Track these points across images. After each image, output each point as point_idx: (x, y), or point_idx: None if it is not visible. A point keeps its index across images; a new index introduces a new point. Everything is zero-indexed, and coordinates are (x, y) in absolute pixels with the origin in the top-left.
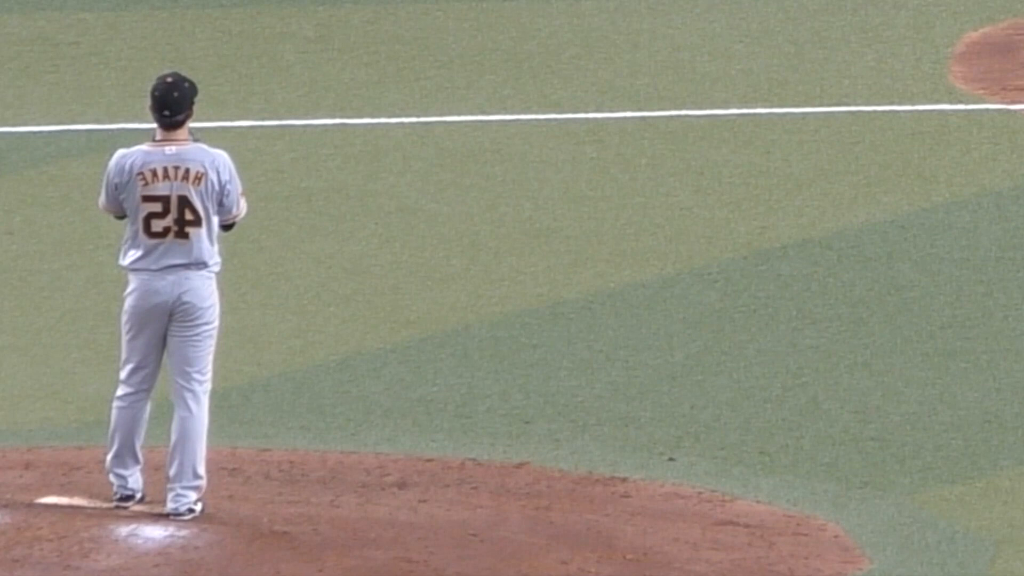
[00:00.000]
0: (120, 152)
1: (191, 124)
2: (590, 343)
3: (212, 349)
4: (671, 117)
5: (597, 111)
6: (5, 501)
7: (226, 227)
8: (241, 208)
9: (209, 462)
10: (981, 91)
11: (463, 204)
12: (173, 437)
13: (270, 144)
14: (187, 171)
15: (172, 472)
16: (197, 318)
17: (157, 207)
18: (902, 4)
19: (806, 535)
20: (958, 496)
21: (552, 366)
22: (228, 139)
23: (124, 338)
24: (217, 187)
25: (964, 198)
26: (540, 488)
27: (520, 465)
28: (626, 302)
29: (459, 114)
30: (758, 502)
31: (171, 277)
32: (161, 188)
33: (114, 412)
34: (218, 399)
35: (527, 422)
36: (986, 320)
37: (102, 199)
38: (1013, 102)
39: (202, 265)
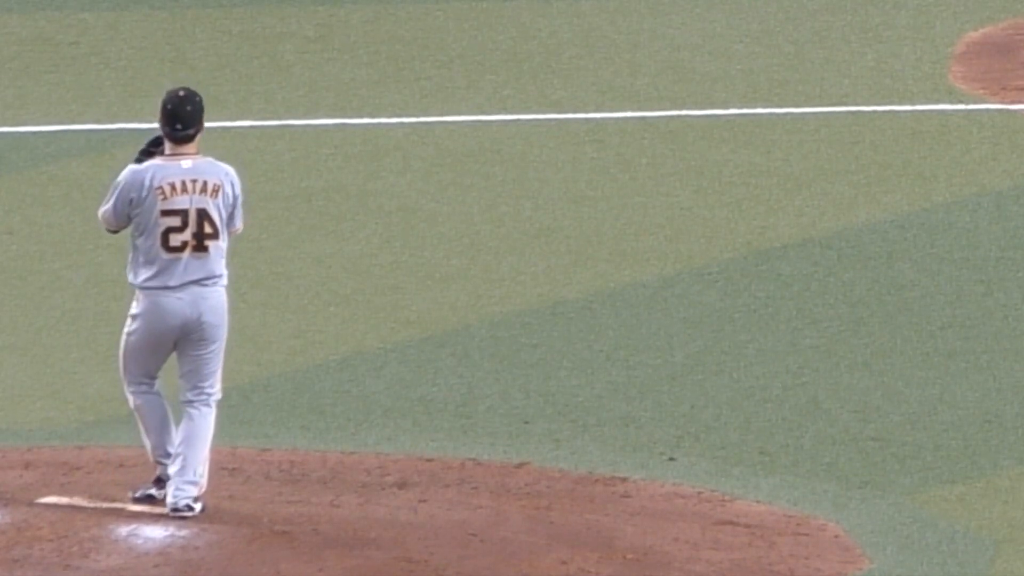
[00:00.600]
0: (132, 168)
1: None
2: (590, 343)
3: (223, 359)
4: (671, 117)
5: (597, 111)
6: (5, 501)
7: None
8: (244, 222)
9: (209, 462)
10: (981, 91)
11: (463, 204)
12: (179, 437)
13: (270, 144)
14: (205, 184)
15: (174, 470)
16: (214, 338)
17: (176, 221)
18: (902, 4)
19: (806, 535)
20: (958, 496)
21: (552, 366)
22: (228, 139)
23: (131, 355)
24: (231, 199)
25: (964, 198)
26: (540, 488)
27: (520, 465)
28: (626, 302)
29: (459, 114)
30: (758, 502)
31: (188, 296)
32: (180, 202)
33: (143, 412)
34: None
35: (527, 422)
36: (986, 320)
37: (107, 213)
38: (1013, 102)
39: (218, 278)
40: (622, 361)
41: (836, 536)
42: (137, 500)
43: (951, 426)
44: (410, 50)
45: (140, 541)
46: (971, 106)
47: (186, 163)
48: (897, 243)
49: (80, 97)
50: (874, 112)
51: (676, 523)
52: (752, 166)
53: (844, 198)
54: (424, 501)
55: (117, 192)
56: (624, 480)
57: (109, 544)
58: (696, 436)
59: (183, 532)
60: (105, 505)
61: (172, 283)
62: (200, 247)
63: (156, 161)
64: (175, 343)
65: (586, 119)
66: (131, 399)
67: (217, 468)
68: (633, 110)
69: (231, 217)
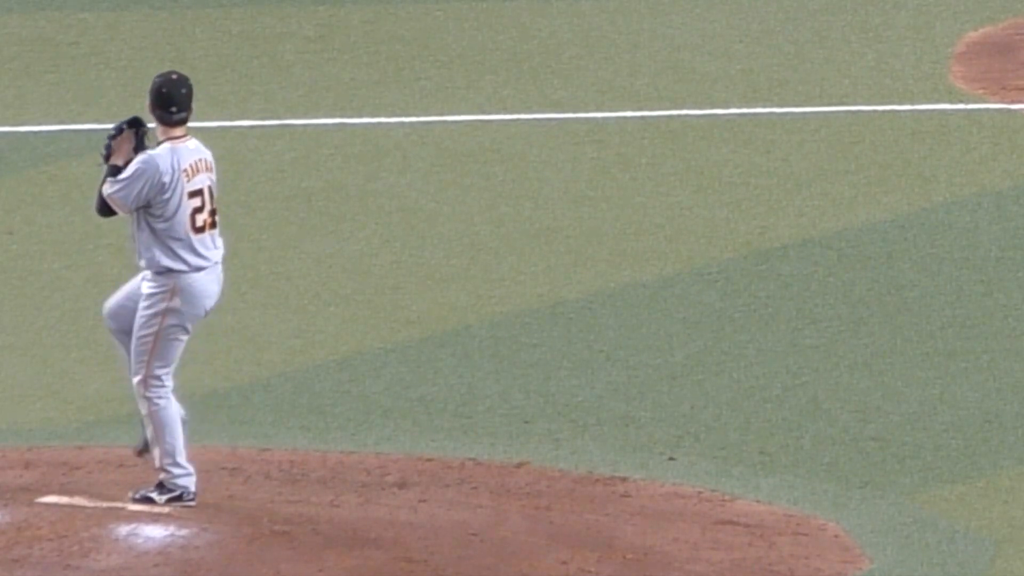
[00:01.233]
0: (152, 153)
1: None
2: (590, 343)
3: None
4: (671, 117)
5: (597, 111)
6: (5, 501)
7: None
8: None
9: (209, 462)
10: (981, 91)
11: (463, 204)
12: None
13: (270, 144)
14: (207, 162)
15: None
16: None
17: (198, 201)
18: (902, 4)
19: (806, 535)
20: (958, 496)
21: (552, 366)
22: (228, 139)
23: (166, 349)
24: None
25: (964, 198)
26: (540, 488)
27: (520, 465)
28: (626, 302)
29: (459, 114)
30: (758, 502)
31: (215, 274)
32: (199, 181)
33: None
34: (218, 399)
35: (527, 422)
36: (986, 320)
37: (122, 195)
38: (1013, 102)
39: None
40: (622, 361)
41: (836, 536)
42: (137, 500)
43: (951, 426)
44: (410, 50)
45: (140, 541)
46: (971, 106)
47: (191, 144)
48: (897, 243)
49: (80, 97)
50: (874, 112)
51: (676, 523)
52: (752, 166)
53: (844, 198)
54: (424, 501)
55: (143, 177)
56: (624, 480)
57: (109, 544)
58: (696, 436)
59: (183, 532)
60: (105, 505)
61: (207, 263)
62: (214, 224)
63: (167, 145)
64: None
65: (586, 119)
66: (154, 403)
67: (217, 468)
68: (633, 110)
69: None
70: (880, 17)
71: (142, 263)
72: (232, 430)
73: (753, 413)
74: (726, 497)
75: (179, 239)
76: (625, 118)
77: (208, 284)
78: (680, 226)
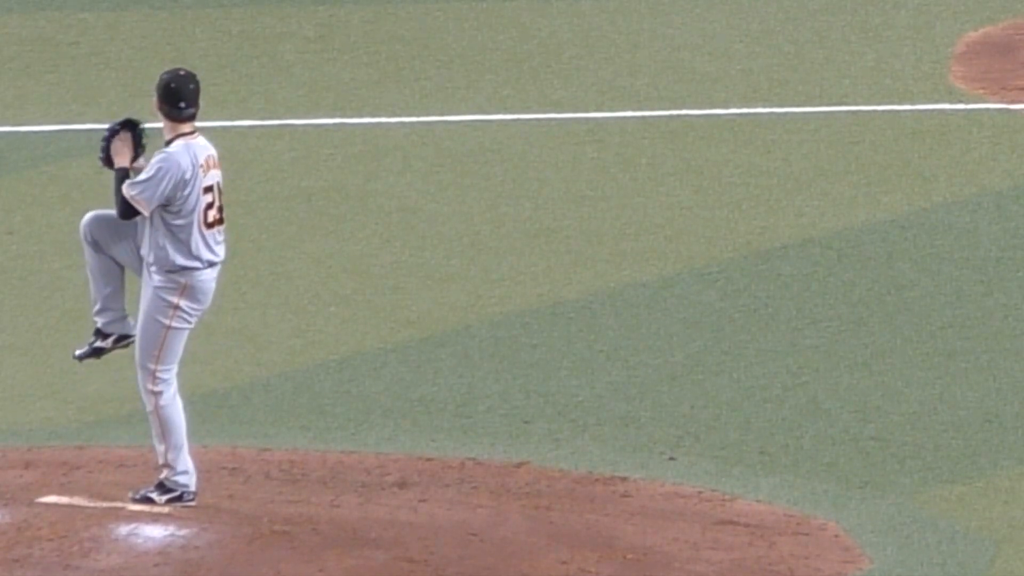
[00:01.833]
0: (169, 151)
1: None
2: (590, 343)
3: None
4: (671, 117)
5: (597, 111)
6: (5, 501)
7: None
8: None
9: (209, 461)
10: (981, 91)
11: (463, 204)
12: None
13: (270, 144)
14: (215, 158)
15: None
16: None
17: (210, 197)
18: (902, 4)
19: (806, 535)
20: (958, 496)
21: (552, 366)
22: (228, 139)
23: (174, 346)
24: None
25: (964, 198)
26: (540, 488)
27: (520, 465)
28: (626, 302)
29: (459, 114)
30: (758, 502)
31: (215, 272)
32: (212, 176)
33: (168, 410)
34: (218, 399)
35: (527, 422)
36: (986, 320)
37: (146, 195)
38: (1013, 102)
39: None
40: (622, 361)
41: (836, 536)
42: (137, 500)
43: (951, 426)
44: (410, 50)
45: (140, 541)
46: (971, 106)
47: (201, 139)
48: (897, 243)
49: (80, 97)
50: (874, 112)
51: (676, 523)
52: (752, 166)
53: (844, 198)
54: (424, 501)
55: (167, 175)
56: (624, 480)
57: (109, 544)
58: (696, 436)
59: (183, 532)
60: (105, 505)
61: (216, 259)
62: (222, 219)
63: (181, 142)
64: None
65: (586, 119)
66: (161, 399)
67: (217, 467)
68: (633, 110)
69: None
70: (880, 17)
71: (150, 258)
72: (232, 430)
73: (753, 413)
74: (726, 497)
75: (193, 235)
76: (625, 118)
77: (209, 282)
78: (680, 226)
